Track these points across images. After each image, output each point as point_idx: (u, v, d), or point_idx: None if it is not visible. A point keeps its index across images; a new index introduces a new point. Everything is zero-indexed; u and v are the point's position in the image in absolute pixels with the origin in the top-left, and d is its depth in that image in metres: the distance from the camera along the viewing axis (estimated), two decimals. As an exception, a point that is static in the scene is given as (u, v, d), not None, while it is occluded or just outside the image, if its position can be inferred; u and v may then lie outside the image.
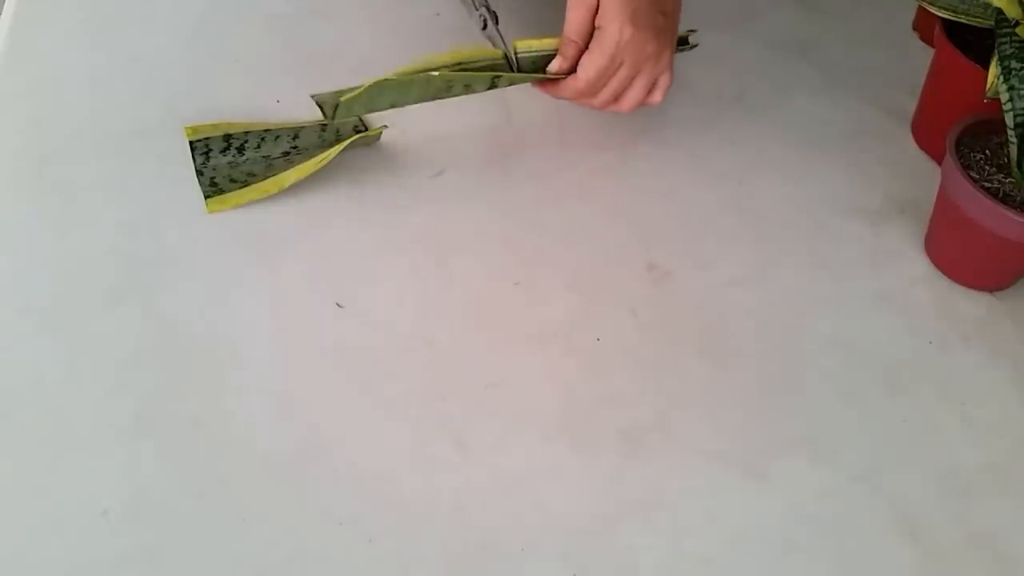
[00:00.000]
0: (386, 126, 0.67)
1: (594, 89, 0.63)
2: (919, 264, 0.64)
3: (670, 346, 0.58)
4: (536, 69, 0.64)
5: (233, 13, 0.79)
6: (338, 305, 0.58)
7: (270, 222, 0.63)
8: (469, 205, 0.66)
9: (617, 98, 0.65)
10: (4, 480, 0.49)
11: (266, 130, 0.66)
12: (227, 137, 0.65)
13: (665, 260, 0.63)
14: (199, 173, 0.63)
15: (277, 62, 0.74)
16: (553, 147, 0.71)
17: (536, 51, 0.63)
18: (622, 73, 0.63)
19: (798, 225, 0.67)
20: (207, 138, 0.65)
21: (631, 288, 0.61)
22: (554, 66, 0.63)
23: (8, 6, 0.77)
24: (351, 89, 0.60)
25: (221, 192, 0.63)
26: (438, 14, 0.80)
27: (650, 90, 0.65)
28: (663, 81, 0.65)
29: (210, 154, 0.64)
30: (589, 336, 0.58)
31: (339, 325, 0.57)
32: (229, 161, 0.64)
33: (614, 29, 0.61)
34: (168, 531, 0.47)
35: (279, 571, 0.47)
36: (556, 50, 0.63)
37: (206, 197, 0.62)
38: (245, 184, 0.63)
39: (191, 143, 0.65)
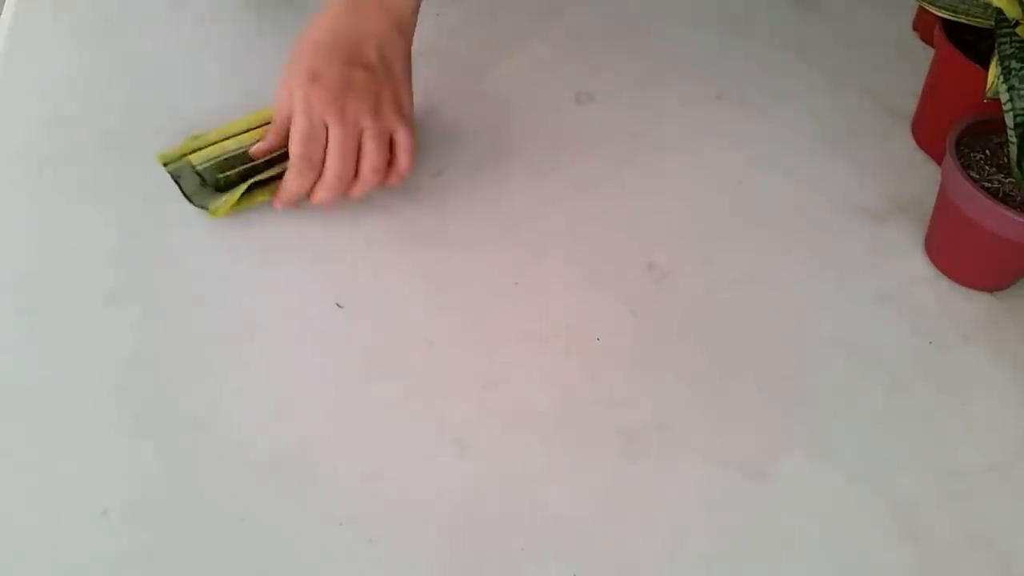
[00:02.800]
0: None
1: (309, 165, 0.59)
2: (919, 264, 0.64)
3: (670, 346, 0.58)
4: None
5: (233, 13, 0.79)
6: (338, 305, 0.58)
7: (270, 222, 0.63)
8: (469, 205, 0.66)
9: (354, 165, 0.59)
10: (4, 480, 0.49)
11: (245, 164, 0.63)
12: (199, 174, 0.63)
13: (665, 260, 0.63)
14: (189, 200, 0.62)
15: (277, 62, 0.74)
16: (553, 147, 0.71)
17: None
18: (336, 134, 0.58)
19: (798, 225, 0.67)
20: (179, 167, 0.63)
21: (631, 288, 0.61)
22: (259, 147, 0.62)
23: (8, 6, 0.77)
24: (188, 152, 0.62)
25: (219, 197, 0.62)
26: (439, 14, 0.80)
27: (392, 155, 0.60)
28: (400, 139, 0.60)
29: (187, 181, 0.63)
30: (589, 336, 0.58)
31: (339, 325, 0.57)
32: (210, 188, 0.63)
33: (295, 85, 0.58)
34: (168, 531, 0.47)
35: (279, 571, 0.47)
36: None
37: (208, 209, 0.61)
38: (237, 184, 0.62)
39: (171, 175, 0.63)
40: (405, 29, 0.62)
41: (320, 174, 0.60)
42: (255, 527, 0.48)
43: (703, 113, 0.75)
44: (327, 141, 0.59)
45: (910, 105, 0.75)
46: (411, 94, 0.63)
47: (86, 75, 0.72)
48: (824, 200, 0.68)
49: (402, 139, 0.60)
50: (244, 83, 0.72)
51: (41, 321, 0.56)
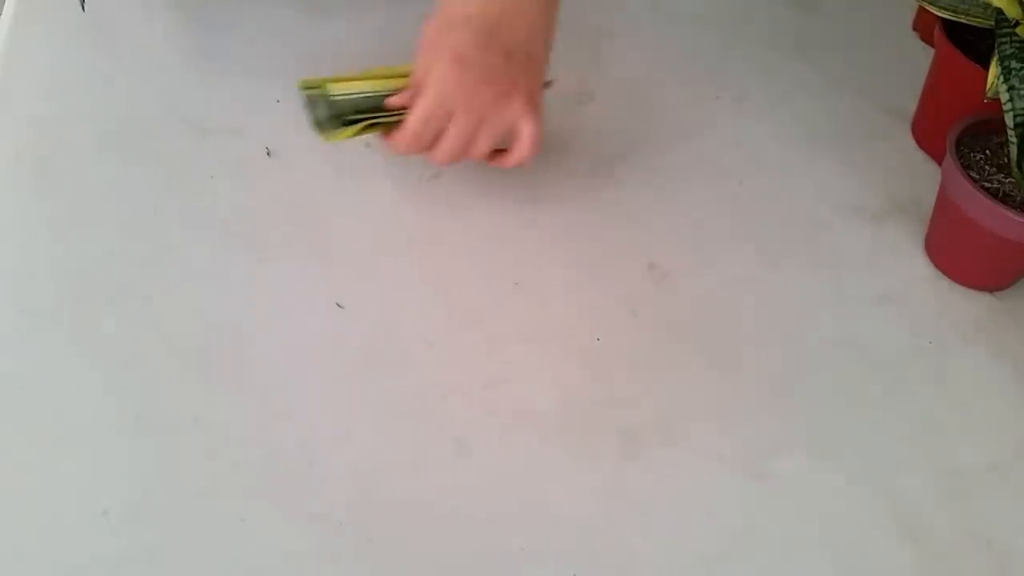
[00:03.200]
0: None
1: (422, 138, 0.58)
2: (919, 264, 0.64)
3: (670, 346, 0.58)
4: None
5: (233, 12, 0.79)
6: (338, 305, 0.58)
7: (270, 222, 0.63)
8: (469, 205, 0.66)
9: (466, 151, 0.59)
10: (4, 480, 0.49)
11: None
12: (334, 106, 0.61)
13: (665, 260, 0.63)
14: (314, 126, 0.61)
15: (277, 62, 0.74)
16: (552, 147, 0.71)
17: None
18: (459, 121, 0.57)
19: (798, 225, 0.67)
20: (317, 94, 0.61)
21: (631, 288, 0.61)
22: (394, 101, 0.60)
23: (8, 6, 0.77)
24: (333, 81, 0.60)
25: (340, 128, 0.61)
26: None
27: (509, 142, 0.59)
28: (525, 131, 0.58)
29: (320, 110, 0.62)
30: (589, 336, 0.58)
31: (339, 325, 0.57)
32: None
33: (435, 59, 0.57)
34: (168, 531, 0.47)
35: (279, 571, 0.47)
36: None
37: (326, 136, 0.60)
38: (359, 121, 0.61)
39: (306, 100, 0.61)
40: (553, 3, 0.60)
41: (431, 143, 0.59)
42: (255, 527, 0.48)
43: (703, 113, 0.75)
44: (448, 119, 0.58)
45: (910, 105, 0.75)
46: (543, 79, 0.61)
47: (86, 75, 0.72)
48: (824, 200, 0.68)
49: (526, 132, 0.59)
50: (245, 82, 0.72)
51: (41, 321, 0.56)
